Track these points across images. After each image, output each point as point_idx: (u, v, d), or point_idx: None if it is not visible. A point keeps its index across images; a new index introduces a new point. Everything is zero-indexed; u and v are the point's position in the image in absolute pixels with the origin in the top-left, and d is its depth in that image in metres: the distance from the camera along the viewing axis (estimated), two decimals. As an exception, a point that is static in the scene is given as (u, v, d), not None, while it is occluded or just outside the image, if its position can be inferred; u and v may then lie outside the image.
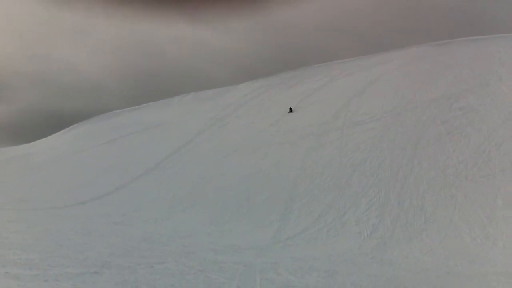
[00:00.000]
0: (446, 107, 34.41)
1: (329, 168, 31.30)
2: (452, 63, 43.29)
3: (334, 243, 22.96)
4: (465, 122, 31.66)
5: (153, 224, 27.36)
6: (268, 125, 42.31)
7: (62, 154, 51.17)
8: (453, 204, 24.49)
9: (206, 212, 29.09)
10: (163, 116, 55.91)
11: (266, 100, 50.17)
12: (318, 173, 31.09)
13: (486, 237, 21.23)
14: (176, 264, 17.99)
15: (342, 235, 23.73)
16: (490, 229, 21.65)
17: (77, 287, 13.58)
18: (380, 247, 21.88)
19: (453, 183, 26.15)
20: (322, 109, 41.43)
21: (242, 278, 16.18)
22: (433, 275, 17.76)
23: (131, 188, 35.60)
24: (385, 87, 42.26)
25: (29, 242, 20.07)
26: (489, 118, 31.27)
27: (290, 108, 40.07)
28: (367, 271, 18.37)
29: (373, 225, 24.12)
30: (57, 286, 13.47)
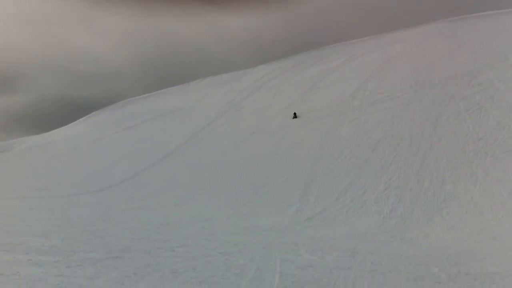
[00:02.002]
0: (465, 83, 34.02)
1: (348, 148, 31.16)
2: (469, 39, 42.76)
3: (353, 222, 22.89)
4: (484, 98, 31.28)
5: (173, 209, 27.48)
6: (285, 107, 42.17)
7: (81, 142, 51.54)
8: (473, 181, 24.26)
9: (225, 195, 29.14)
10: (180, 101, 55.98)
11: (283, 82, 49.98)
12: (337, 154, 30.96)
13: (507, 213, 21.01)
14: (197, 247, 18.09)
15: (362, 214, 23.64)
16: (512, 205, 21.44)
17: (99, 272, 13.71)
18: (400, 226, 21.78)
19: (473, 160, 25.90)
20: (339, 89, 41.19)
21: (262, 259, 16.23)
22: (454, 252, 17.64)
23: (150, 174, 35.76)
24: (402, 65, 41.90)
25: (51, 229, 20.28)
26: (509, 94, 30.85)
27: (295, 113, 37.54)
28: (387, 250, 18.31)
29: (392, 204, 23.99)
30: (80, 272, 13.61)
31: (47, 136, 62.20)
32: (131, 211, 26.53)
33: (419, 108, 33.06)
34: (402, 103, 34.66)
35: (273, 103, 44.48)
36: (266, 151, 34.75)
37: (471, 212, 21.79)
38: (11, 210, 24.37)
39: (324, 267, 15.49)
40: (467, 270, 15.01)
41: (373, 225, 22.25)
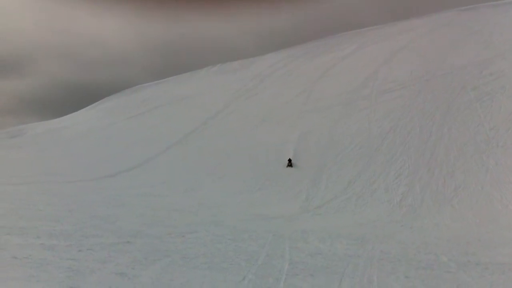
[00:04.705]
0: (476, 73, 33.81)
1: (358, 137, 31.12)
2: (481, 28, 42.41)
3: (363, 211, 22.93)
4: (496, 88, 31.10)
5: (183, 195, 27.60)
6: (296, 95, 42.10)
7: (91, 128, 51.74)
8: (484, 171, 24.20)
9: (235, 182, 29.22)
10: (190, 88, 55.99)
11: (293, 70, 49.86)
12: (347, 142, 30.94)
13: (518, 203, 20.99)
14: (207, 233, 18.18)
15: (371, 203, 23.67)
16: (522, 195, 21.40)
17: (110, 256, 13.82)
18: (410, 215, 21.80)
19: (484, 150, 25.81)
20: (350, 77, 41.05)
21: (272, 246, 16.30)
22: (464, 242, 17.65)
23: (160, 160, 35.88)
24: (413, 54, 41.66)
25: (63, 213, 20.41)
26: (521, 84, 30.69)
27: (289, 160, 31.03)
28: (397, 238, 18.33)
29: (402, 193, 23.99)
30: (91, 256, 13.72)
31: (59, 122, 62.45)
32: (142, 197, 26.66)
33: (430, 98, 32.91)
34: (412, 92, 34.52)
35: (284, 91, 44.41)
36: (276, 139, 34.77)
37: (481, 202, 21.77)
38: (23, 195, 24.54)
39: (333, 255, 15.54)
40: (477, 259, 15.01)
41: (382, 214, 22.28)
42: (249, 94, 47.17)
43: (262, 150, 33.67)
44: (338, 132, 32.70)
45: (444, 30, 45.40)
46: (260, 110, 41.73)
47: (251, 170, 30.76)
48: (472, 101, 30.52)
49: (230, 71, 58.27)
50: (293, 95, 42.29)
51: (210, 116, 43.85)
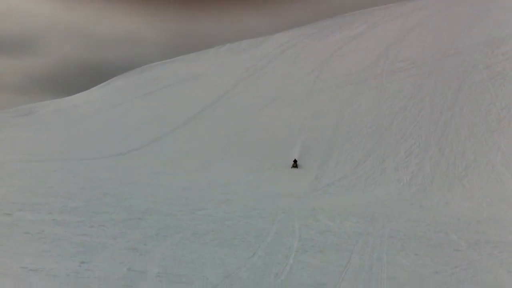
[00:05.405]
0: (489, 52, 33.51)
1: (368, 116, 31.01)
2: (493, 6, 41.96)
3: (373, 190, 22.95)
4: (508, 67, 30.84)
5: (193, 174, 27.69)
6: (305, 74, 41.91)
7: (102, 107, 51.81)
8: (495, 150, 24.12)
9: (245, 161, 29.25)
10: (200, 68, 55.81)
11: (302, 49, 49.56)
12: (357, 121, 30.84)
13: (529, 183, 20.93)
14: (216, 210, 18.30)
15: (381, 182, 23.67)
16: (533, 174, 21.32)
17: (122, 232, 13.95)
18: (420, 194, 21.79)
19: (496, 129, 25.70)
20: (360, 57, 40.78)
21: (282, 224, 16.39)
22: (474, 220, 17.66)
23: (170, 139, 35.93)
24: (424, 32, 41.29)
25: (74, 191, 20.57)
26: (534, 63, 30.42)
27: (295, 161, 29.13)
28: (406, 216, 18.37)
29: (412, 172, 23.97)
30: (103, 232, 13.86)
31: (69, 100, 62.55)
32: (152, 175, 26.79)
33: (441, 77, 32.70)
34: (424, 71, 34.28)
35: (293, 71, 44.21)
36: (286, 118, 34.70)
37: (492, 181, 21.73)
38: (34, 172, 24.71)
39: (343, 232, 15.61)
40: (487, 238, 15.03)
41: (392, 193, 22.30)
42: (258, 73, 47.01)
43: (271, 129, 33.64)
44: (348, 111, 32.58)
45: (456, 9, 44.93)
46: (270, 89, 41.60)
47: (260, 149, 30.76)
48: (484, 80, 30.30)
49: (239, 51, 58.00)
50: (302, 75, 42.11)
51: (219, 95, 43.78)
